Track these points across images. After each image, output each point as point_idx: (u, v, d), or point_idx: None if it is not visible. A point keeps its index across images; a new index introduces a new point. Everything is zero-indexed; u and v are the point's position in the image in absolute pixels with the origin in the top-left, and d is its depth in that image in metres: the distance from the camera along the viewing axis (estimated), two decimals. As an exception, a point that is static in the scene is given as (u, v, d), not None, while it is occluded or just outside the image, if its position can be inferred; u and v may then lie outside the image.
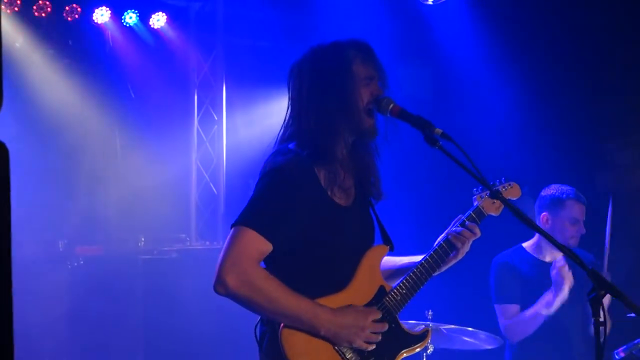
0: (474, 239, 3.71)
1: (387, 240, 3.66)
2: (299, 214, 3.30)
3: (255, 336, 3.42)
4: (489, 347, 5.68)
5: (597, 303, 2.85)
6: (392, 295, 3.51)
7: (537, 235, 5.87)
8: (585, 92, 7.78)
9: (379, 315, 3.40)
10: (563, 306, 5.55)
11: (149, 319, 7.94)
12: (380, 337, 3.38)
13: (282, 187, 3.31)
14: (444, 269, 3.71)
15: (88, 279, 7.86)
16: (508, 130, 7.99)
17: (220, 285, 3.18)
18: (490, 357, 6.19)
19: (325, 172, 3.40)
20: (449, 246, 3.67)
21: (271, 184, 3.33)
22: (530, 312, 5.59)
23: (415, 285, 3.57)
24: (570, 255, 3.07)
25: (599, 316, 2.85)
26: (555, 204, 5.76)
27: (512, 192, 4.09)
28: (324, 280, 3.36)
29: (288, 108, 3.53)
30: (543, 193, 5.84)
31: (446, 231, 3.73)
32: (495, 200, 3.84)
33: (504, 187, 4.07)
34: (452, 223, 3.75)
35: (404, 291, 3.54)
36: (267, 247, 3.24)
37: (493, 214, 3.88)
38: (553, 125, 7.86)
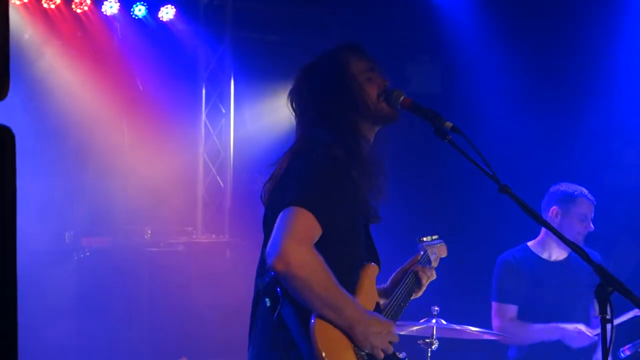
0: (430, 280, 3.78)
1: (376, 260, 3.60)
2: (347, 208, 3.27)
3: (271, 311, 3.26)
4: (494, 338, 5.70)
5: (604, 300, 2.84)
6: (384, 313, 3.51)
7: (542, 233, 5.90)
8: (594, 90, 7.77)
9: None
10: (568, 302, 5.60)
11: (155, 312, 7.95)
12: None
13: (337, 174, 3.26)
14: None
15: (94, 271, 7.86)
16: (516, 126, 7.97)
17: (281, 262, 3.04)
18: (494, 347, 6.21)
19: (359, 168, 3.37)
20: (416, 279, 3.75)
21: (326, 169, 3.25)
22: (530, 330, 5.64)
23: (398, 310, 3.61)
24: (577, 251, 3.06)
25: (606, 313, 2.84)
26: (567, 199, 5.77)
27: (441, 250, 4.12)
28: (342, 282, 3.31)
29: (297, 127, 3.50)
30: (553, 189, 5.86)
31: (403, 267, 3.83)
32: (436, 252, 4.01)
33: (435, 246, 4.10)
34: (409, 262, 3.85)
35: (394, 309, 3.57)
36: (319, 232, 3.16)
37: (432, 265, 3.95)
38: (562, 122, 7.85)
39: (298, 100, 3.49)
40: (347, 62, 3.44)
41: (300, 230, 3.11)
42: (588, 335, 5.53)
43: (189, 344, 7.88)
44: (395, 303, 3.59)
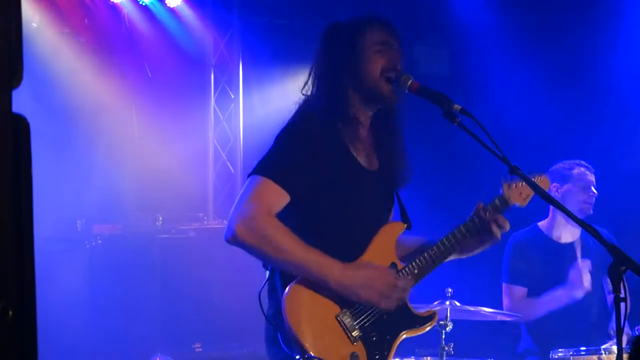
0: (502, 230, 3.57)
1: (405, 219, 3.62)
2: (318, 165, 3.28)
3: (260, 304, 3.36)
4: (508, 319, 5.71)
5: (617, 278, 2.83)
6: (403, 272, 3.45)
7: (551, 213, 5.91)
8: (606, 69, 7.74)
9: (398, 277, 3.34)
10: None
11: (167, 298, 7.97)
12: (401, 297, 3.33)
13: (300, 138, 3.31)
14: (470, 254, 3.64)
15: (106, 258, 7.88)
16: (525, 106, 7.95)
17: (229, 234, 3.21)
18: (508, 328, 6.22)
19: (344, 128, 3.38)
20: (467, 229, 3.55)
21: (289, 136, 3.34)
22: (538, 303, 5.65)
23: (428, 266, 3.48)
24: (588, 230, 3.06)
25: (620, 292, 2.83)
26: (564, 173, 5.83)
27: (541, 184, 3.97)
28: (337, 245, 3.31)
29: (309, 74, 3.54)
30: (552, 168, 5.87)
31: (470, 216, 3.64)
32: (522, 192, 3.64)
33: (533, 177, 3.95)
34: (475, 209, 3.64)
35: (416, 270, 3.46)
36: (283, 197, 3.21)
37: (519, 204, 3.67)
38: (572, 102, 7.82)
39: (316, 51, 3.53)
40: (364, 31, 3.44)
41: (253, 198, 3.19)
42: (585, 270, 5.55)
43: (202, 329, 7.89)
44: (419, 264, 3.46)
